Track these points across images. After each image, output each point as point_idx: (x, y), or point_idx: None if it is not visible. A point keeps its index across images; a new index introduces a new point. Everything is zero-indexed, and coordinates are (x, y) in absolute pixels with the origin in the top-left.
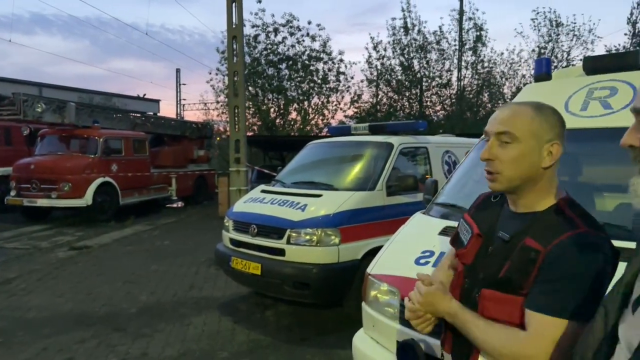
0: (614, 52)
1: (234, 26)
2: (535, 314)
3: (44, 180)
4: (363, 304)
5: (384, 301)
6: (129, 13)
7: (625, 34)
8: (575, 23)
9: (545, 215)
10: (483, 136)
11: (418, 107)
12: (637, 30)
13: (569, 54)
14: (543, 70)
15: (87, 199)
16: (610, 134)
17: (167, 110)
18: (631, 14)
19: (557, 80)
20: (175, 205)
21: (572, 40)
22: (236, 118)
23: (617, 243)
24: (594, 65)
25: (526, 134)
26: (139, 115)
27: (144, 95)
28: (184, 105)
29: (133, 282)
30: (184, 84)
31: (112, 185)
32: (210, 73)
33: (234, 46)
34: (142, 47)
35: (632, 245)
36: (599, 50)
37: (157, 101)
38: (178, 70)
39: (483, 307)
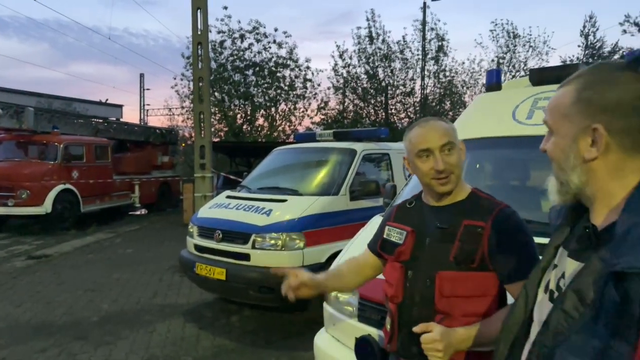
0: (567, 63)
1: (199, 32)
2: (518, 283)
3: (0, 187)
4: (324, 303)
5: (344, 300)
6: (91, 16)
7: (579, 46)
8: (531, 35)
9: (469, 201)
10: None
11: (384, 114)
12: (589, 43)
13: (525, 64)
14: (494, 81)
15: (47, 206)
16: None
17: (131, 115)
18: (584, 26)
19: (506, 91)
20: (138, 212)
21: (528, 51)
22: (201, 124)
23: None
24: (539, 77)
25: (457, 141)
26: (101, 120)
27: (107, 100)
28: (147, 110)
29: (95, 290)
30: (147, 89)
31: (72, 193)
32: (175, 78)
33: (199, 52)
34: (104, 51)
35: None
36: (554, 60)
37: (120, 106)
38: (142, 75)
39: (441, 288)
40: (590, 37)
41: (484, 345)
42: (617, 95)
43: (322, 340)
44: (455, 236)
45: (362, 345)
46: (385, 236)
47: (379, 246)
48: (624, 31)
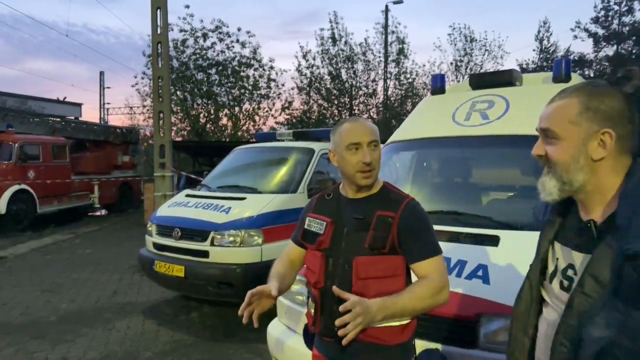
0: (502, 70)
1: (159, 32)
2: (429, 260)
3: None
4: None
5: (295, 290)
6: (47, 11)
7: (534, 50)
8: (487, 39)
9: (381, 194)
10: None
11: (348, 115)
12: (543, 47)
13: (481, 67)
14: (438, 85)
15: (1, 207)
16: (487, 141)
17: (90, 114)
18: (538, 31)
19: (449, 94)
20: (98, 213)
21: (484, 54)
22: (161, 122)
23: (481, 231)
24: (478, 81)
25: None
26: (58, 119)
27: (64, 98)
28: (108, 109)
29: (52, 291)
30: (108, 88)
31: (28, 193)
32: (135, 77)
33: (159, 51)
34: (62, 47)
35: (492, 232)
36: (509, 64)
37: (79, 105)
38: (102, 73)
39: (358, 271)
40: (545, 42)
41: (396, 316)
42: (617, 106)
43: (274, 328)
44: (369, 225)
45: (309, 330)
46: (306, 227)
47: (301, 236)
48: (575, 37)
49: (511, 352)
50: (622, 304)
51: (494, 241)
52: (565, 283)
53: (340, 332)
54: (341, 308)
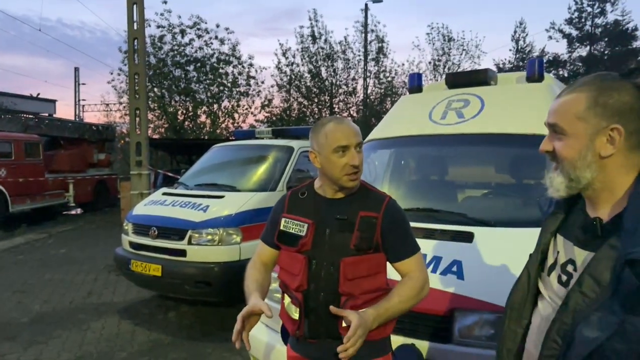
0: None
1: (135, 27)
2: (411, 258)
3: None
4: None
5: (273, 288)
6: (20, 5)
7: (510, 50)
8: (464, 39)
9: (360, 193)
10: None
11: (328, 113)
12: (519, 47)
13: (459, 67)
14: (415, 84)
15: None
16: (463, 139)
17: (65, 111)
18: (515, 32)
19: (426, 93)
20: (73, 212)
21: (462, 54)
22: (137, 119)
23: (455, 227)
24: (454, 81)
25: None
26: (31, 116)
27: (38, 94)
28: (83, 106)
29: (25, 291)
30: (83, 84)
31: (0, 192)
32: (112, 73)
33: (135, 47)
34: (35, 43)
35: (466, 229)
36: (486, 63)
37: (53, 101)
38: (77, 69)
39: (345, 273)
40: (521, 42)
41: (388, 320)
42: (628, 100)
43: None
44: (353, 226)
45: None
46: (282, 228)
47: (276, 238)
48: (550, 37)
49: (503, 341)
50: (619, 307)
51: (468, 237)
52: (564, 278)
53: (342, 356)
54: (333, 310)
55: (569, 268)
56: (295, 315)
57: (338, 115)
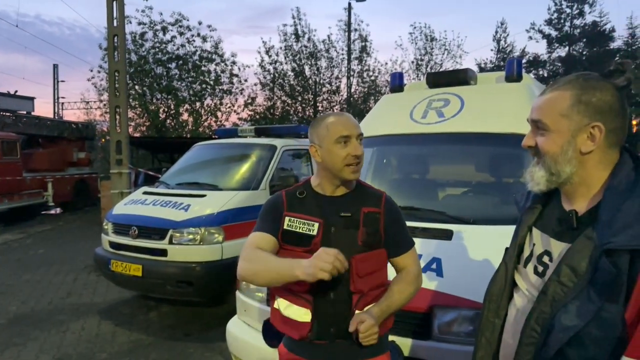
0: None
1: (115, 24)
2: (409, 252)
3: None
4: (237, 292)
5: (255, 287)
6: None
7: (492, 50)
8: (446, 38)
9: (358, 190)
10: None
11: (312, 111)
12: (500, 47)
13: (441, 66)
14: (397, 83)
15: None
16: (443, 138)
17: (44, 109)
18: (496, 32)
19: (407, 92)
20: (52, 212)
21: (444, 53)
22: (118, 117)
23: (435, 225)
24: (434, 80)
25: None
26: (8, 114)
27: (15, 92)
28: (62, 104)
29: (2, 292)
30: (62, 81)
31: None
32: (92, 70)
33: (116, 44)
34: (12, 39)
35: (446, 226)
36: (467, 63)
37: (32, 99)
38: (55, 66)
39: (357, 270)
40: (502, 42)
41: (389, 315)
42: (609, 100)
43: (233, 325)
44: (358, 222)
45: (269, 327)
46: (286, 227)
47: (280, 237)
48: (530, 37)
49: (481, 332)
50: (597, 295)
51: (447, 235)
52: (540, 269)
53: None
54: (352, 328)
55: (545, 259)
56: (306, 318)
57: (339, 112)
